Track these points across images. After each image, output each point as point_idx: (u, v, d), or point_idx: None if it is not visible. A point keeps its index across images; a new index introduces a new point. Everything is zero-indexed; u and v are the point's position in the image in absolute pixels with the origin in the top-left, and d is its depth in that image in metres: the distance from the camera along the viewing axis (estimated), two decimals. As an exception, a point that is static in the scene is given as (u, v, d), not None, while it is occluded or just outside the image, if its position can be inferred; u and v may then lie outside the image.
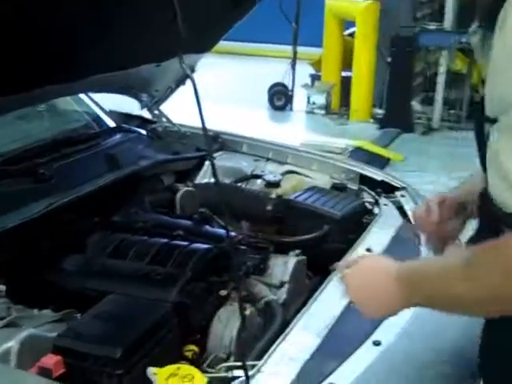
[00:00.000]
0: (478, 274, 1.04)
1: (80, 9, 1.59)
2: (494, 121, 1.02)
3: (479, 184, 1.24)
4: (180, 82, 2.58)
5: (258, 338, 1.60)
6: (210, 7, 2.04)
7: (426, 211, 1.47)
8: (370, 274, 1.24)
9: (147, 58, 2.13)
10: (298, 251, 1.91)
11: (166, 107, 2.84)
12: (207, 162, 2.53)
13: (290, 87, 8.26)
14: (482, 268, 1.04)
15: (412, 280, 1.17)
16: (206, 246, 1.79)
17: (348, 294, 1.25)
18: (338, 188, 2.32)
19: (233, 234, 1.91)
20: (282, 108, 8.26)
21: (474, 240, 1.26)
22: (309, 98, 8.09)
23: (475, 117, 1.19)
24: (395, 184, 2.36)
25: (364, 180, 2.39)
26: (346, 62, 7.86)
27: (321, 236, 1.97)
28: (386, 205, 2.20)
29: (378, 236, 1.95)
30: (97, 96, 2.75)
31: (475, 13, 1.19)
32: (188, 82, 2.71)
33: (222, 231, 1.94)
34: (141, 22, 1.75)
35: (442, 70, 7.06)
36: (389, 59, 7.16)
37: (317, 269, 1.96)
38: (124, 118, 2.83)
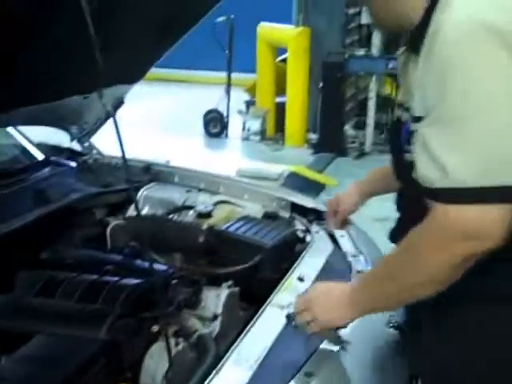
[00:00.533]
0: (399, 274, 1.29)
1: (1, 43, 1.57)
2: (419, 119, 1.27)
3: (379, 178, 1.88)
4: (110, 113, 2.56)
5: (191, 374, 1.58)
6: (135, 39, 2.03)
7: (336, 204, 1.98)
8: (327, 292, 1.46)
9: (72, 90, 2.11)
10: (230, 282, 1.91)
11: (96, 138, 2.81)
12: (139, 194, 2.51)
13: (225, 114, 8.30)
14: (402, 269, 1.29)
15: (357, 291, 1.39)
16: (135, 281, 1.76)
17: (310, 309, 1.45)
18: (270, 217, 2.33)
19: (164, 267, 1.90)
20: (217, 135, 8.29)
21: (395, 232, 1.53)
22: (244, 125, 8.15)
23: (391, 129, 1.48)
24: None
25: (296, 208, 2.41)
26: (280, 88, 7.96)
27: (253, 266, 1.96)
28: (317, 232, 2.23)
29: (309, 264, 1.97)
30: (26, 128, 2.71)
31: (401, 39, 1.43)
32: (120, 110, 2.72)
33: (152, 265, 1.92)
34: (63, 54, 1.73)
35: (372, 94, 7.24)
36: (321, 85, 7.30)
37: (250, 299, 1.96)
38: (53, 150, 2.79)
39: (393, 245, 1.48)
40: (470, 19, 1.17)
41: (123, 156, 1.25)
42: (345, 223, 2.03)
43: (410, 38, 1.38)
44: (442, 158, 1.18)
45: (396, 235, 1.48)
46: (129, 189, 2.19)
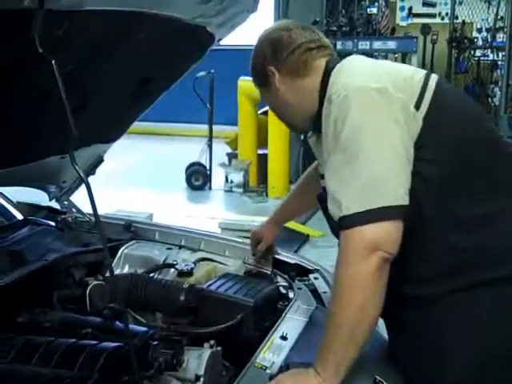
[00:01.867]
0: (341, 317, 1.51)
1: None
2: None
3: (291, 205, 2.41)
4: (89, 172, 2.55)
5: None
6: (111, 100, 2.04)
7: (259, 237, 2.35)
8: (295, 373, 1.59)
9: (47, 152, 2.09)
10: (212, 342, 1.87)
11: (77, 197, 2.79)
12: (120, 252, 2.48)
13: (207, 166, 8.32)
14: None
15: (321, 357, 1.54)
16: (114, 344, 1.72)
17: None
18: (251, 273, 2.31)
19: (144, 328, 1.86)
20: (200, 188, 8.29)
21: None
22: (227, 177, 8.17)
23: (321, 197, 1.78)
24: (308, 266, 2.38)
25: (278, 263, 2.39)
26: (262, 140, 8.02)
27: (235, 325, 1.93)
28: (300, 288, 2.20)
29: (292, 322, 1.94)
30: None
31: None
32: (100, 168, 2.71)
33: (133, 326, 1.88)
34: (37, 117, 1.73)
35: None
36: (302, 136, 7.35)
37: (233, 359, 1.92)
38: (32, 209, 2.76)
39: None
40: (355, 84, 1.59)
41: (96, 218, 1.23)
42: (269, 253, 2.36)
43: (314, 122, 1.77)
44: (336, 194, 1.54)
45: None
46: (102, 249, 2.15)
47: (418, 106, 1.59)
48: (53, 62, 1.25)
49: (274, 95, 1.84)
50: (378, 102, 1.56)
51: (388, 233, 1.49)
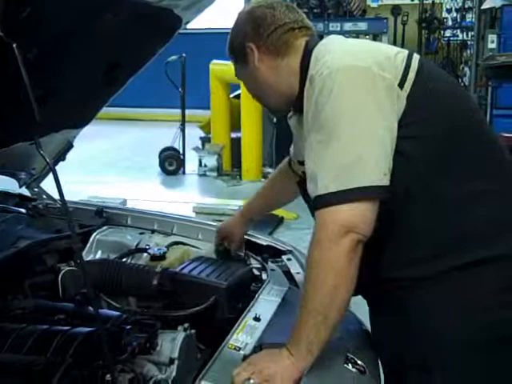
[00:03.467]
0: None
1: None
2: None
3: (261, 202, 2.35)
4: (58, 158, 2.52)
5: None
6: (79, 86, 2.01)
7: (226, 233, 2.31)
8: (268, 353, 1.59)
9: (14, 138, 2.06)
10: (186, 325, 1.87)
11: (47, 183, 2.77)
12: (92, 238, 2.46)
13: (180, 151, 8.29)
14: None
15: (294, 338, 1.53)
16: (87, 329, 1.71)
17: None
18: (224, 255, 2.31)
19: (117, 312, 1.85)
20: (174, 172, 8.27)
21: None
22: (200, 161, 8.16)
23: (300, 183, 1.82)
24: (281, 248, 2.39)
25: (250, 245, 2.39)
26: (235, 124, 8.01)
27: (208, 307, 1.93)
28: (273, 270, 2.21)
29: (265, 303, 1.95)
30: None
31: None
32: (69, 154, 2.69)
33: (106, 311, 1.88)
34: (3, 102, 1.70)
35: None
36: (274, 119, 7.36)
37: (207, 341, 1.93)
38: (2, 196, 2.73)
39: None
40: (339, 62, 1.56)
41: (63, 203, 1.22)
42: (236, 249, 2.32)
43: (295, 103, 1.77)
44: (313, 174, 1.52)
45: None
46: (71, 235, 2.13)
47: (401, 85, 1.57)
48: (14, 46, 1.23)
49: (252, 73, 1.80)
50: (360, 81, 1.54)
51: (362, 214, 1.47)
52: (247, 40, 1.77)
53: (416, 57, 1.68)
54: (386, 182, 1.50)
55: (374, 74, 1.55)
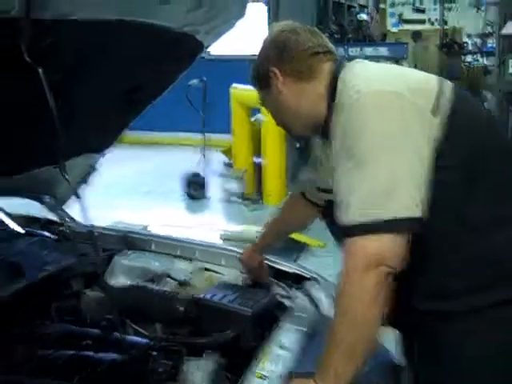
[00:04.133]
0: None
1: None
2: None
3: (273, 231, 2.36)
4: (81, 181, 2.55)
5: None
6: (101, 109, 2.03)
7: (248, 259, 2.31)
8: None
9: (38, 162, 2.09)
10: (213, 352, 1.87)
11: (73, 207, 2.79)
12: (112, 261, 2.47)
13: (203, 176, 8.31)
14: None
15: (322, 369, 1.48)
16: (114, 355, 1.72)
17: None
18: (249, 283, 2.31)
19: (143, 339, 1.86)
20: (197, 197, 8.27)
21: None
22: (223, 186, 8.15)
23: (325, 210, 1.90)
24: (306, 275, 2.38)
25: (274, 272, 2.39)
26: (257, 148, 8.02)
27: (234, 335, 1.93)
28: (297, 297, 2.20)
29: (290, 331, 1.94)
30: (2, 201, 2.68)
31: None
32: (96, 179, 2.71)
33: (132, 337, 1.89)
34: (29, 127, 1.72)
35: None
36: (297, 144, 7.36)
37: (232, 368, 1.92)
38: (29, 221, 2.76)
39: None
40: (369, 87, 1.53)
41: (88, 227, 1.23)
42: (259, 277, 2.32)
43: (322, 129, 1.71)
44: (343, 201, 1.47)
45: None
46: (95, 262, 2.14)
47: (434, 112, 1.52)
48: (40, 70, 1.25)
49: (275, 98, 1.77)
50: (391, 107, 1.49)
51: (392, 247, 1.42)
52: (271, 64, 1.74)
53: (448, 83, 1.65)
54: (418, 213, 1.44)
55: (405, 100, 1.50)
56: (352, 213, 1.44)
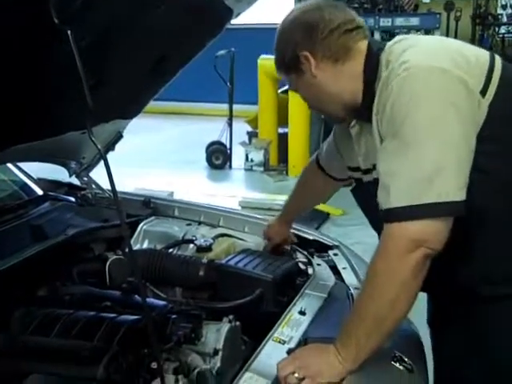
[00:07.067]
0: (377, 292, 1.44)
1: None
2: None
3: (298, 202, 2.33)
4: (108, 148, 2.55)
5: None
6: (129, 76, 2.02)
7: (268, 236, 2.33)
8: (315, 348, 1.56)
9: (66, 127, 2.08)
10: (231, 317, 1.87)
11: (96, 172, 2.80)
12: (139, 228, 2.49)
13: (227, 145, 8.31)
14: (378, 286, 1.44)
15: (344, 339, 1.49)
16: (133, 317, 1.73)
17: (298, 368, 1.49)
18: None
19: (163, 302, 1.86)
20: (220, 166, 8.29)
21: None
22: (247, 156, 8.15)
23: (356, 190, 1.87)
24: (328, 243, 2.37)
25: (297, 239, 2.38)
26: (282, 119, 7.98)
27: (254, 300, 1.93)
28: (319, 265, 2.19)
29: (311, 298, 1.94)
30: (26, 164, 2.70)
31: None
32: (119, 145, 2.71)
33: (152, 300, 1.89)
34: (55, 92, 1.71)
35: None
36: (322, 116, 7.30)
37: (251, 333, 1.92)
38: (53, 185, 2.77)
39: None
40: (418, 64, 1.45)
41: (114, 193, 1.23)
42: (279, 251, 2.31)
43: (359, 112, 1.66)
44: (387, 182, 1.43)
45: None
46: (120, 225, 2.14)
47: (484, 92, 1.45)
48: (69, 32, 1.23)
49: (309, 83, 1.67)
50: (440, 85, 1.42)
51: (435, 231, 1.39)
52: (300, 49, 1.63)
53: (498, 59, 1.56)
54: (462, 196, 1.40)
55: (456, 77, 1.43)
56: (394, 195, 1.41)
